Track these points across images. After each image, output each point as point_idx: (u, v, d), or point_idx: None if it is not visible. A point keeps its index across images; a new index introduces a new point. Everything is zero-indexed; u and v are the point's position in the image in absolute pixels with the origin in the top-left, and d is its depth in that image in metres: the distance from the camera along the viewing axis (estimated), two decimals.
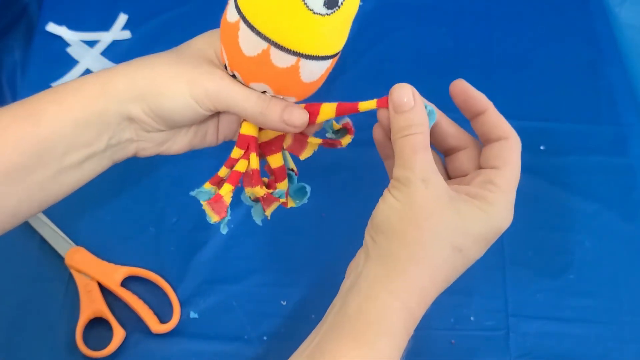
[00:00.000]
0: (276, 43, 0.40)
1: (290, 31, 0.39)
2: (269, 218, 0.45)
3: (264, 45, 0.40)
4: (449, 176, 0.46)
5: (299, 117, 0.43)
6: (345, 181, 0.70)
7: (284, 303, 0.64)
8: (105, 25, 0.79)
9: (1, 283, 0.64)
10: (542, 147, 0.73)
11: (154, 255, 0.66)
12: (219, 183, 0.46)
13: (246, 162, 0.45)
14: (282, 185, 0.47)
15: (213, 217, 0.45)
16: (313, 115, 0.44)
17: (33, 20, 0.79)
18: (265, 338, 0.62)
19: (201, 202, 0.45)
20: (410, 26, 0.80)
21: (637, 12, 0.80)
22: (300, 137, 0.47)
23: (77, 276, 0.63)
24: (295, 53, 0.40)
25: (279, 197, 0.46)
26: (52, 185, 0.43)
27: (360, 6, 0.76)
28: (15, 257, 0.65)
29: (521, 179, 0.70)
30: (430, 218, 0.39)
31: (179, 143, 0.48)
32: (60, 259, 0.64)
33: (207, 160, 0.70)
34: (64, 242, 0.65)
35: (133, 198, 0.69)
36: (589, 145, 0.73)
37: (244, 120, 0.45)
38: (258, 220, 0.47)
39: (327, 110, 0.44)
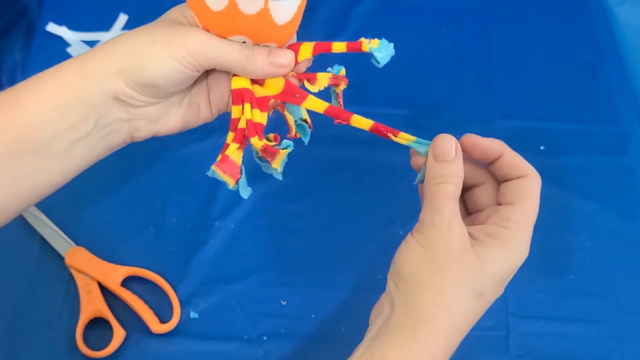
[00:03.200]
0: None
1: None
2: (280, 171, 0.44)
3: None
4: (467, 212, 0.47)
5: (285, 55, 0.43)
6: (345, 181, 0.70)
7: (284, 303, 0.64)
8: (106, 26, 0.79)
9: (1, 283, 0.64)
10: (542, 147, 0.73)
11: (154, 255, 0.66)
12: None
13: (238, 109, 0.44)
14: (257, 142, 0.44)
15: (228, 182, 0.43)
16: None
17: (33, 20, 0.79)
18: (265, 338, 0.62)
19: (212, 168, 0.43)
20: (410, 26, 0.80)
21: (637, 12, 0.80)
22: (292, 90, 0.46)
23: (77, 276, 0.63)
24: None
25: (284, 148, 0.44)
26: (40, 173, 0.42)
27: (360, 6, 0.76)
28: (15, 257, 0.65)
29: None
30: (453, 265, 0.40)
31: (172, 119, 0.47)
32: (60, 258, 0.64)
33: (207, 160, 0.70)
34: (64, 242, 0.65)
35: (133, 198, 0.69)
36: (589, 145, 0.73)
37: (233, 75, 0.44)
38: (277, 175, 0.44)
39: (306, 49, 0.44)
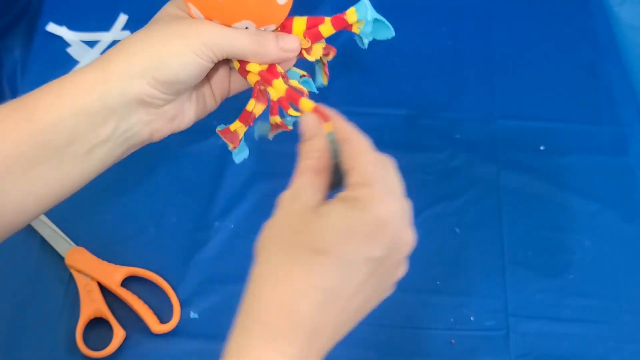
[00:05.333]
0: None
1: None
2: (270, 138, 0.46)
3: None
4: None
5: (292, 41, 0.45)
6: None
7: None
8: (106, 26, 0.79)
9: (1, 283, 0.64)
10: (542, 147, 0.73)
11: (154, 255, 0.66)
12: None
13: (253, 102, 0.45)
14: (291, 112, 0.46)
15: (229, 145, 0.46)
16: (288, 30, 0.45)
17: (33, 20, 0.79)
18: None
19: (217, 130, 0.46)
20: (410, 26, 0.80)
21: (637, 12, 0.80)
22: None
23: (77, 276, 0.63)
24: None
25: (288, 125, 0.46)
26: (58, 178, 0.43)
27: None
28: (15, 257, 0.65)
29: (521, 179, 0.71)
30: (289, 228, 0.37)
31: (187, 114, 0.47)
32: (61, 259, 0.64)
33: (207, 160, 0.70)
34: (64, 242, 0.65)
35: (133, 198, 0.69)
36: (589, 145, 0.73)
37: (240, 66, 0.45)
38: (263, 133, 0.47)
39: (299, 23, 0.45)
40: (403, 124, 0.74)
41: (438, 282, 0.66)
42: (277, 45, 0.44)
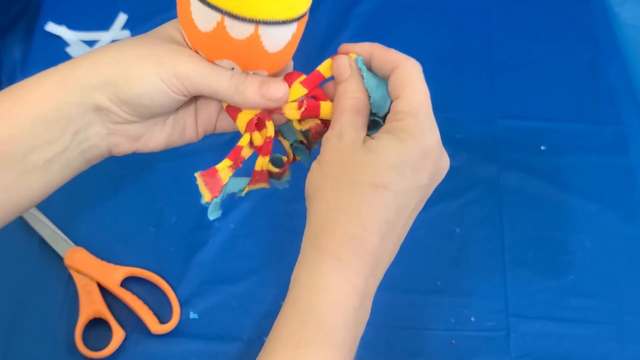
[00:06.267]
0: (229, 12, 0.37)
1: None
2: (242, 195, 0.44)
3: (217, 17, 0.37)
4: None
5: (278, 89, 0.41)
6: None
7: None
8: (105, 25, 0.79)
9: (1, 283, 0.64)
10: (542, 147, 0.73)
11: (153, 255, 0.65)
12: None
13: (248, 136, 0.42)
14: (263, 161, 0.44)
15: (205, 195, 0.42)
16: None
17: (33, 20, 0.79)
18: (265, 338, 0.62)
19: (196, 174, 0.42)
20: (410, 26, 0.80)
21: (637, 12, 0.80)
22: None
23: (76, 276, 0.63)
24: (251, 21, 0.37)
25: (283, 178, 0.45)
26: (19, 189, 0.41)
27: (360, 6, 0.75)
28: (15, 257, 0.65)
29: (522, 179, 0.71)
30: (343, 167, 0.38)
31: (155, 139, 0.44)
32: (60, 259, 0.64)
33: (207, 160, 0.70)
34: (64, 242, 0.65)
35: (132, 198, 0.68)
36: (589, 145, 0.73)
37: (227, 106, 0.43)
38: (236, 190, 0.44)
39: (297, 89, 0.42)
40: None
41: (438, 283, 0.65)
42: (260, 91, 0.41)
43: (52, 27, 0.78)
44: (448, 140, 0.72)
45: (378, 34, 0.79)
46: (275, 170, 0.44)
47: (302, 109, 0.42)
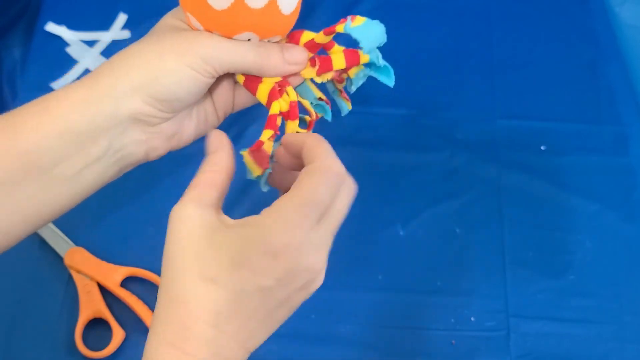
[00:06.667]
0: None
1: None
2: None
3: None
4: None
5: (299, 53, 0.42)
6: None
7: None
8: (105, 25, 0.79)
9: (1, 283, 0.64)
10: (542, 147, 0.73)
11: (153, 255, 0.65)
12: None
13: (278, 105, 0.42)
14: (293, 125, 0.44)
15: (254, 171, 0.42)
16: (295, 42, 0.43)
17: (33, 20, 0.79)
18: None
19: (241, 153, 0.42)
20: (410, 26, 0.80)
21: (637, 12, 0.80)
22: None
23: (76, 276, 0.63)
24: None
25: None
26: (45, 199, 0.41)
27: (360, 6, 0.75)
28: (15, 257, 0.65)
29: (522, 179, 0.71)
30: (181, 254, 0.37)
31: (187, 132, 0.45)
32: (60, 259, 0.64)
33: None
34: (64, 242, 0.65)
35: (133, 198, 0.68)
36: (589, 145, 0.73)
37: (246, 79, 0.43)
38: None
39: (307, 37, 0.43)
40: (403, 124, 0.74)
41: (438, 283, 0.65)
42: (283, 57, 0.42)
43: (52, 27, 0.78)
44: (448, 140, 0.73)
45: None
46: (303, 131, 0.44)
47: (317, 66, 0.43)
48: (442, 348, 0.62)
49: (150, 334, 0.38)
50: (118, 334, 0.61)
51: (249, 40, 0.41)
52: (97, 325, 0.62)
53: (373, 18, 0.46)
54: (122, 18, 0.79)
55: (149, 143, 0.43)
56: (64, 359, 0.61)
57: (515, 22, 0.81)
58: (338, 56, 0.43)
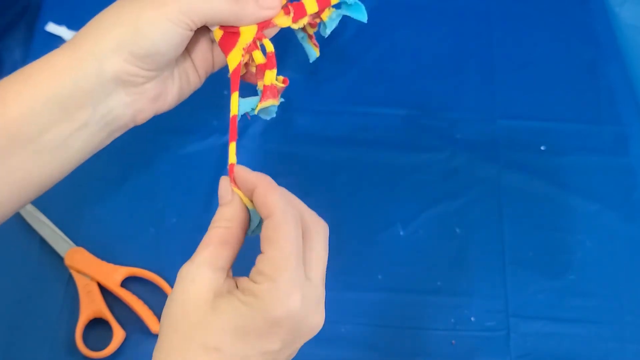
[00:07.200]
0: None
1: None
2: (255, 113, 0.44)
3: None
4: None
5: None
6: (345, 181, 0.70)
7: None
8: None
9: (1, 283, 0.64)
10: (542, 147, 0.73)
11: (154, 255, 0.65)
12: None
13: (247, 56, 0.43)
14: (271, 74, 0.44)
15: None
16: None
17: (33, 20, 0.78)
18: None
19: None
20: (410, 26, 0.80)
21: (637, 12, 0.80)
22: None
23: (76, 276, 0.63)
24: None
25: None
26: (35, 168, 0.41)
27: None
28: (15, 257, 0.65)
29: (522, 179, 0.71)
30: (185, 318, 0.37)
31: (170, 94, 0.45)
32: (60, 259, 0.64)
33: (207, 160, 0.70)
34: (64, 242, 0.65)
35: (133, 198, 0.68)
36: (589, 145, 0.73)
37: (222, 37, 0.43)
38: (272, 111, 0.45)
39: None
40: (403, 124, 0.74)
41: (438, 283, 0.65)
42: (257, 2, 0.42)
43: (52, 28, 0.78)
44: (448, 140, 0.73)
45: (378, 34, 0.79)
46: (282, 85, 0.44)
47: (291, 14, 0.44)
48: (442, 348, 0.62)
49: None
50: (118, 334, 0.61)
51: None
52: (97, 325, 0.62)
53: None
54: None
55: (135, 105, 0.43)
56: (64, 359, 0.61)
57: (515, 22, 0.81)
58: (310, 0, 0.44)
